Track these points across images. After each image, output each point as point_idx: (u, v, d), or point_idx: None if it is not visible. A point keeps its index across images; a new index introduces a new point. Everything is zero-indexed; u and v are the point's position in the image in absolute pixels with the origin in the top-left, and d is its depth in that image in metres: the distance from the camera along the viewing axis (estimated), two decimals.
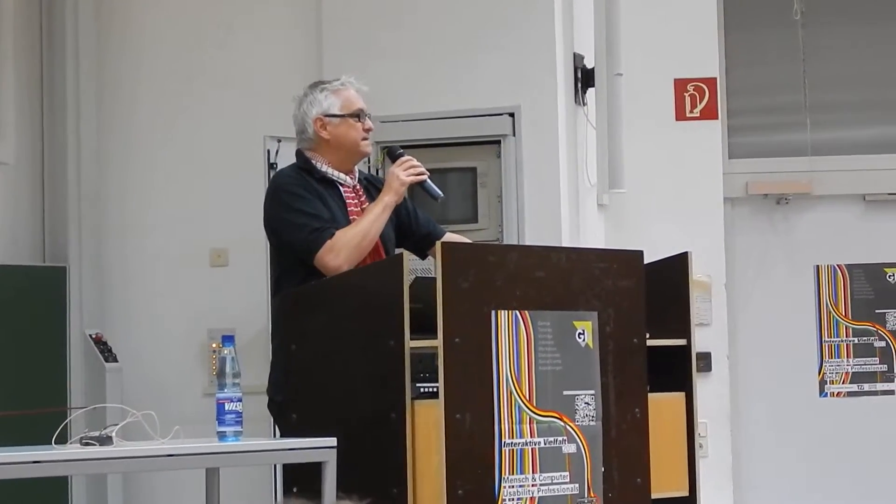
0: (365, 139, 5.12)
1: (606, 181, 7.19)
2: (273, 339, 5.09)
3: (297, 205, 4.97)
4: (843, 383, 7.81)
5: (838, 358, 7.81)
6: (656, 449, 4.88)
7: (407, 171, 5.05)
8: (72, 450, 4.14)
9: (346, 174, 5.12)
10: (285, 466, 4.82)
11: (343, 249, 4.90)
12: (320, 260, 4.90)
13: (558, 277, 4.69)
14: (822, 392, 7.83)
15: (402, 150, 5.18)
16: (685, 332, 5.11)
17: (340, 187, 5.10)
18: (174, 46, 7.26)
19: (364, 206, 5.07)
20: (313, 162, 5.10)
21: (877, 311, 7.84)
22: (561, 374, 4.62)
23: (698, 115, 7.76)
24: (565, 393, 4.63)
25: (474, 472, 4.44)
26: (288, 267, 5.02)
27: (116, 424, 4.26)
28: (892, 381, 7.81)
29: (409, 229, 5.24)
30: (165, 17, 7.29)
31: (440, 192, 5.13)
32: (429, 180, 5.09)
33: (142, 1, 7.33)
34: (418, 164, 5.09)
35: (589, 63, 7.10)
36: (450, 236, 5.26)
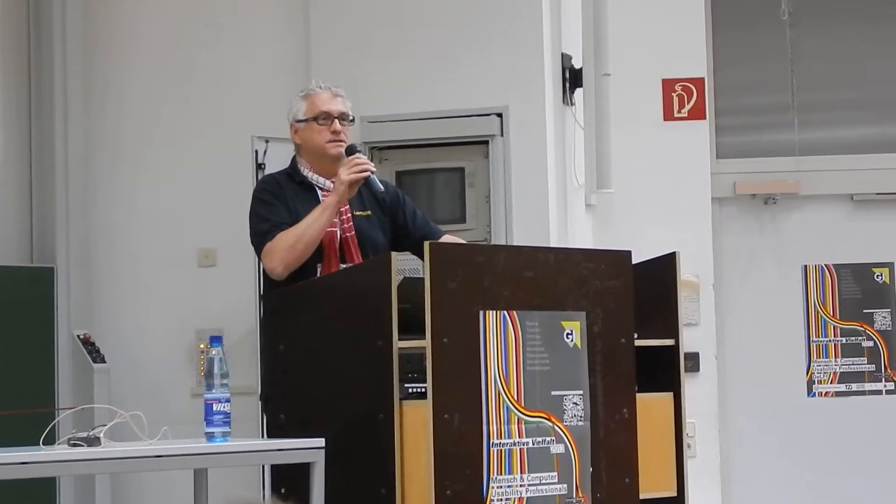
0: (331, 141, 5.13)
1: (594, 181, 7.19)
2: (261, 338, 5.09)
3: (259, 210, 5.07)
4: (831, 383, 7.81)
5: (826, 358, 7.82)
6: (644, 449, 4.88)
7: (350, 170, 5.04)
8: (59, 451, 4.13)
9: (328, 178, 5.13)
10: (273, 467, 4.81)
11: (277, 253, 4.94)
12: (263, 263, 4.98)
13: (546, 278, 4.69)
14: (810, 392, 7.83)
15: (359, 150, 5.19)
16: (673, 332, 5.12)
17: (319, 191, 5.12)
18: (162, 47, 7.25)
19: (346, 210, 5.07)
20: (298, 166, 5.20)
21: (864, 310, 7.85)
22: (549, 375, 4.62)
23: (686, 115, 7.76)
24: (553, 393, 4.63)
25: (463, 473, 4.44)
26: None
27: (104, 425, 4.25)
28: (880, 381, 7.82)
29: (406, 231, 5.25)
30: (153, 18, 7.27)
31: (381, 187, 5.11)
32: (373, 177, 5.08)
33: (130, 1, 7.31)
34: (365, 162, 5.08)
35: (577, 63, 7.10)
36: (447, 238, 5.26)
